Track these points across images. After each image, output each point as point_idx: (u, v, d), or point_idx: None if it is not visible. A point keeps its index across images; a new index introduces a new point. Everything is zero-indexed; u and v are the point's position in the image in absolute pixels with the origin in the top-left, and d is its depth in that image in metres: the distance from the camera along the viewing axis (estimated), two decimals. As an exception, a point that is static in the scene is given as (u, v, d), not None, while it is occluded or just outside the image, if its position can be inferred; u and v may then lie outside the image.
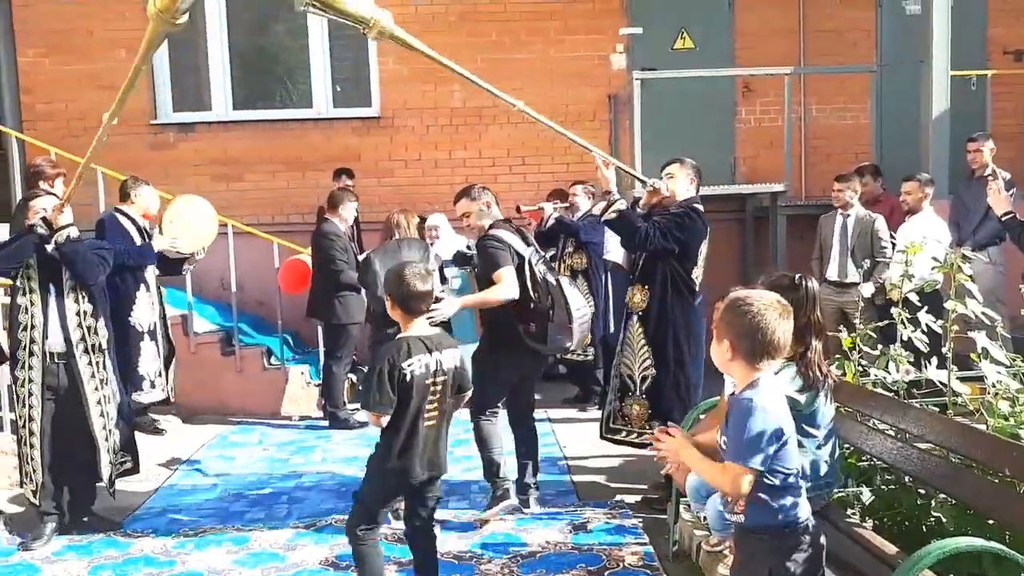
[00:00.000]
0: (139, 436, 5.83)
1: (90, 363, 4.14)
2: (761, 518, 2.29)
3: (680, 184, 4.40)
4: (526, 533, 4.09)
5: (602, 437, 4.62)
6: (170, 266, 5.94)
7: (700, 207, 4.38)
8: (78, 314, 4.11)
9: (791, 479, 2.28)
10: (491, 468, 4.27)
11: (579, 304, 4.11)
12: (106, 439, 4.22)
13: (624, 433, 4.43)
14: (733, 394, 2.45)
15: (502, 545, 3.92)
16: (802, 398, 2.81)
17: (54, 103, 8.09)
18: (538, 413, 6.03)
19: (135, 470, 4.54)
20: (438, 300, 3.92)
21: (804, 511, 2.33)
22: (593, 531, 4.13)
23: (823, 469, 2.93)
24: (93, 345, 4.15)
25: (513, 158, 8.29)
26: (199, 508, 4.69)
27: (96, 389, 4.16)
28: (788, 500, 2.29)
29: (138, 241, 5.77)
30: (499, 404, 4.30)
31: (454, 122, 8.23)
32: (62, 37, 7.99)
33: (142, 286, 5.73)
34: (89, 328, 4.14)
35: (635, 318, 4.36)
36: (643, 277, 4.34)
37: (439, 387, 3.12)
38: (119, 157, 7.83)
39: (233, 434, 6.22)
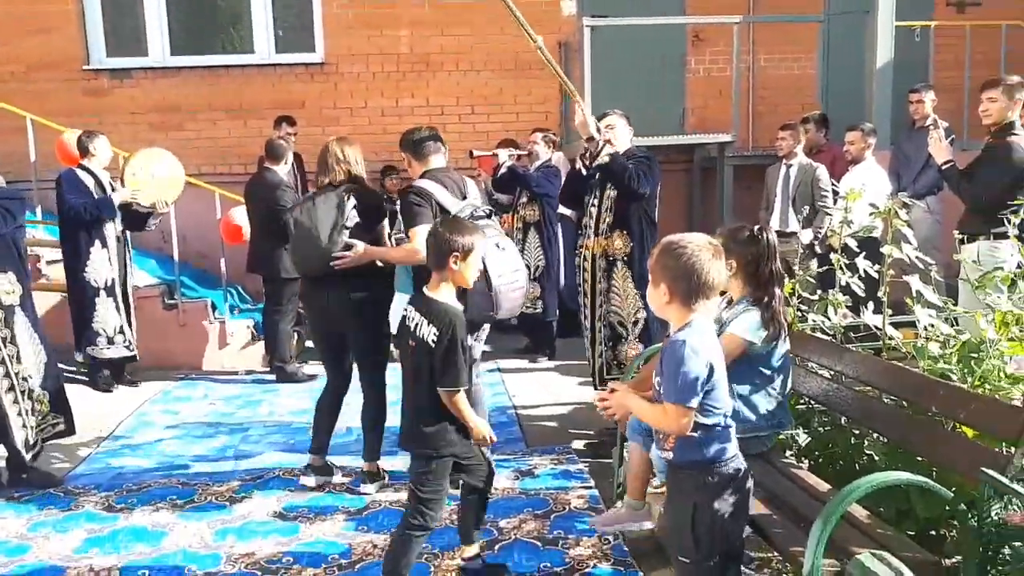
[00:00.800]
0: (85, 392, 5.78)
1: None
2: (689, 454, 2.33)
3: (622, 134, 4.44)
4: (474, 480, 4.12)
5: (597, 389, 4.54)
6: (135, 222, 5.89)
7: None
8: None
9: (722, 419, 2.32)
10: None
11: (504, 269, 3.63)
12: (15, 401, 4.07)
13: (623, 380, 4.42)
14: (668, 336, 2.47)
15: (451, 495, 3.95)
16: (761, 343, 2.88)
17: (-22, 47, 7.70)
18: (488, 364, 6.09)
19: (69, 432, 4.40)
20: (348, 247, 3.84)
21: (732, 449, 2.37)
22: (540, 476, 4.18)
23: (773, 408, 3.00)
24: None
25: (462, 107, 8.17)
26: (143, 463, 4.62)
27: None
28: (718, 439, 2.33)
29: (99, 195, 5.70)
30: None
31: (401, 69, 8.07)
32: (-15, -23, 7.58)
33: (97, 242, 5.70)
34: None
35: (619, 264, 4.33)
36: (620, 223, 4.31)
37: (411, 350, 2.90)
38: (51, 104, 7.55)
39: (177, 388, 6.12)
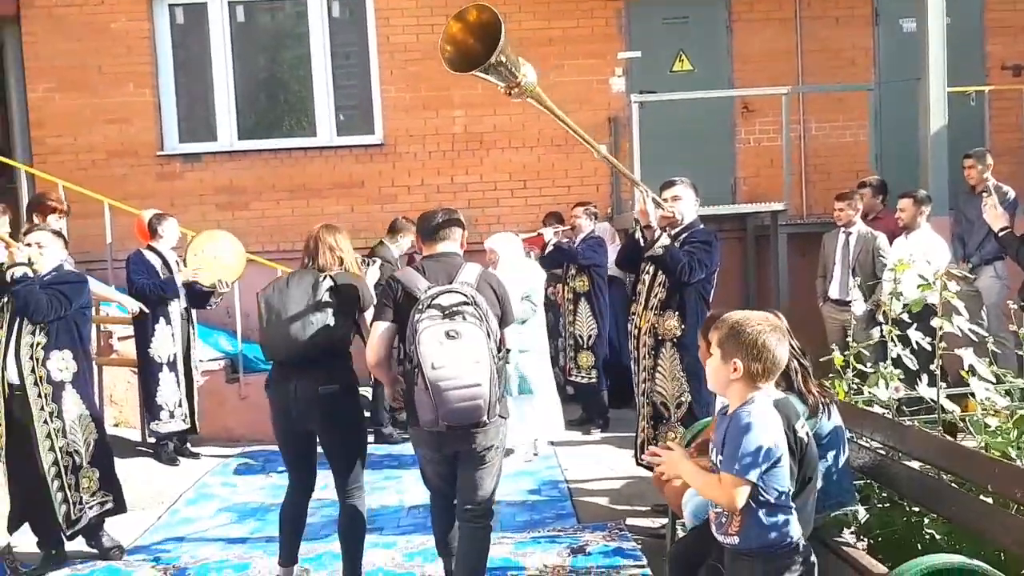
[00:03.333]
0: (150, 464, 5.96)
1: (40, 395, 4.11)
2: (756, 539, 2.30)
3: (688, 206, 4.43)
4: (524, 557, 4.09)
5: (639, 465, 4.56)
6: (198, 300, 6.16)
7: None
8: (31, 346, 4.12)
9: (784, 498, 2.30)
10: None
11: (447, 360, 3.08)
12: (58, 475, 4.14)
13: None
14: (724, 411, 2.48)
15: (499, 569, 3.91)
16: (809, 422, 2.79)
17: (63, 137, 8.24)
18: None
19: (118, 510, 4.38)
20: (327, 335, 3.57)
21: (796, 530, 2.34)
22: (592, 554, 4.12)
23: (826, 486, 2.89)
24: (42, 376, 4.13)
25: (515, 182, 8.36)
26: (201, 535, 4.72)
27: (45, 422, 4.12)
28: (780, 518, 2.31)
29: (165, 275, 6.00)
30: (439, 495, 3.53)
31: (456, 147, 8.33)
32: (72, 72, 8.16)
33: (162, 319, 5.95)
34: (38, 360, 4.11)
35: (668, 345, 4.28)
36: (673, 302, 4.28)
37: None
38: (126, 188, 8.01)
39: (237, 461, 6.25)
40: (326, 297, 3.61)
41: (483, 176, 8.36)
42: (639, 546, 4.18)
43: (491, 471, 3.37)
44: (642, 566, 3.94)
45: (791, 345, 2.81)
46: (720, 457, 2.36)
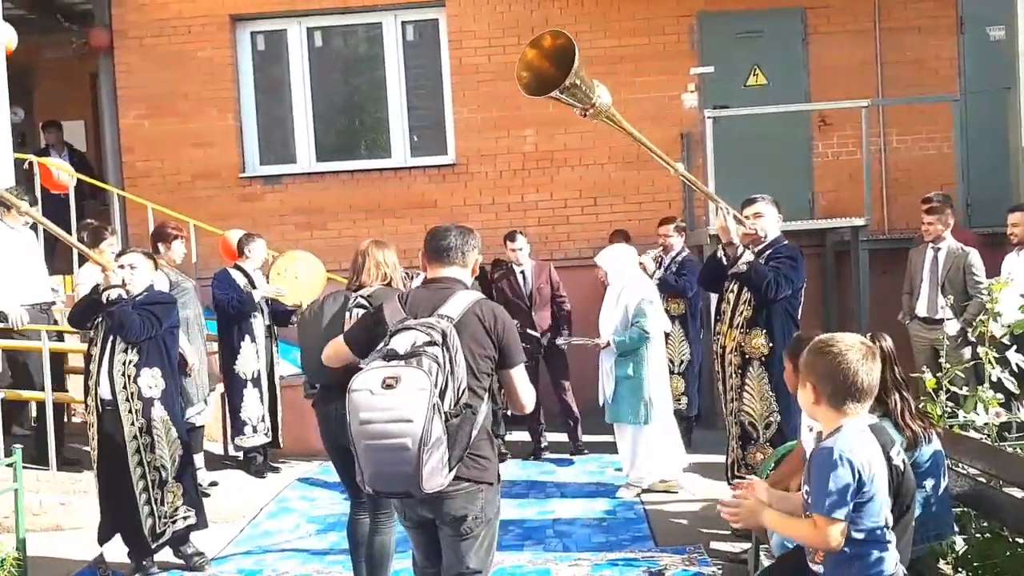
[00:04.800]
0: (238, 476, 6.15)
1: (130, 411, 4.28)
2: (842, 571, 2.21)
3: (771, 223, 4.39)
4: (602, 579, 4.04)
5: (730, 484, 4.50)
6: (280, 318, 6.36)
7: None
8: (124, 363, 4.29)
9: (877, 532, 2.21)
10: None
11: (374, 415, 2.59)
12: (145, 488, 4.29)
13: None
14: (819, 440, 2.41)
15: (578, 591, 3.89)
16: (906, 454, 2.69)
17: (151, 161, 8.61)
18: (614, 457, 5.95)
19: (200, 526, 4.53)
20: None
21: (891, 564, 2.24)
22: (671, 578, 4.06)
23: (924, 518, 2.78)
24: (133, 393, 4.28)
25: (585, 199, 8.35)
26: (282, 548, 4.82)
27: (135, 438, 4.28)
28: (873, 554, 2.22)
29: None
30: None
31: (526, 166, 8.37)
32: (161, 99, 8.52)
33: (247, 336, 6.14)
34: (130, 377, 4.28)
35: (756, 364, 4.24)
36: (759, 320, 4.24)
37: None
38: (210, 209, 8.30)
39: (316, 475, 6.36)
40: (358, 314, 3.54)
41: (553, 194, 8.38)
42: (720, 572, 4.09)
43: (475, 545, 2.83)
44: (723, 592, 3.86)
45: (895, 374, 2.72)
46: (807, 489, 2.28)
